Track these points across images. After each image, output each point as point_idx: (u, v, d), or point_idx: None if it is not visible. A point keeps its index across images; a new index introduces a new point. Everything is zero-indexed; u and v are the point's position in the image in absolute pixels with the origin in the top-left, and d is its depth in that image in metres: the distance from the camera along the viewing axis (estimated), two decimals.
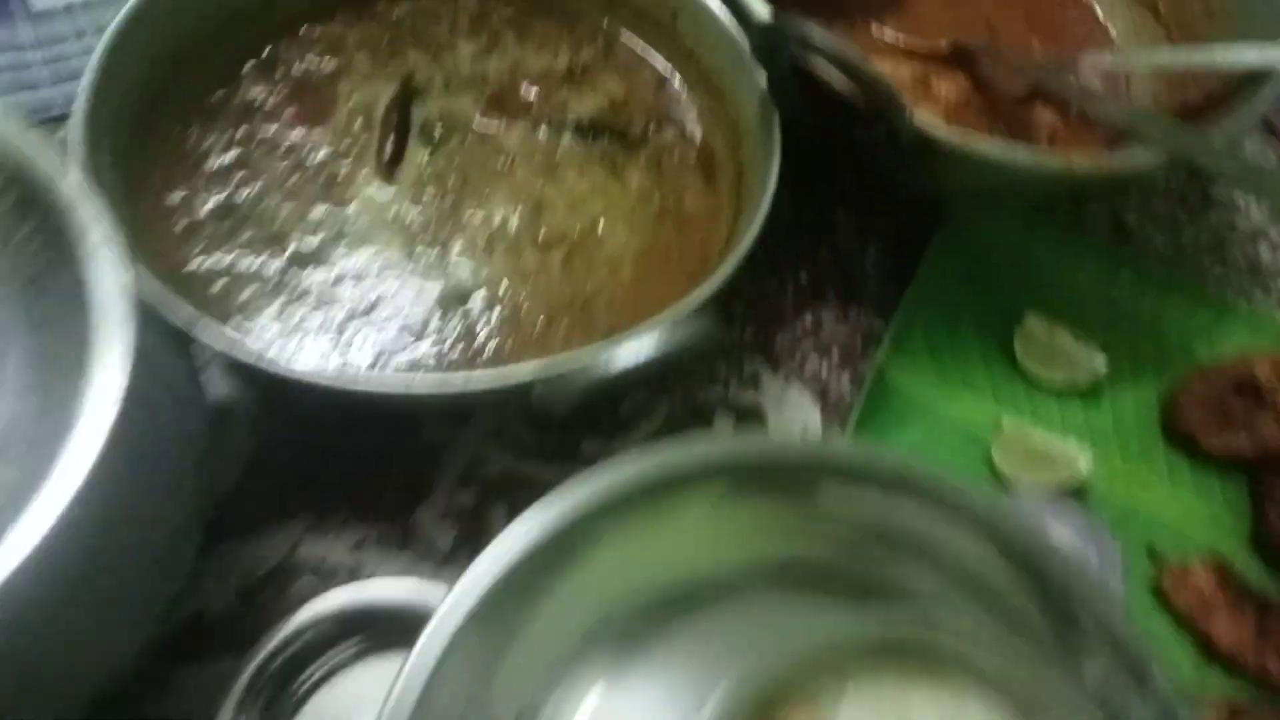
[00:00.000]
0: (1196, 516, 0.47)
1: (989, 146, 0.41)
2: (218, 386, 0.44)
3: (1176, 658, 0.43)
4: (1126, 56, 0.52)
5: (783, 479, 0.29)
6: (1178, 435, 0.48)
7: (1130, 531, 0.46)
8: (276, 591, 0.41)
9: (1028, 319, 0.49)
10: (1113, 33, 0.54)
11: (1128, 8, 0.54)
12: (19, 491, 0.25)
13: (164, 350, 0.33)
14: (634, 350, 0.31)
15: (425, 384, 0.34)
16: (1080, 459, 0.45)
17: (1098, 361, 0.48)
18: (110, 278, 0.27)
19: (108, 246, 0.28)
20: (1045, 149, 0.47)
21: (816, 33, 0.38)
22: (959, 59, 0.53)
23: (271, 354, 0.36)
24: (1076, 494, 0.46)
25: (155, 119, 0.43)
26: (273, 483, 0.43)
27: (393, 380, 0.34)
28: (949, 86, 0.51)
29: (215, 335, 0.34)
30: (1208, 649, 0.43)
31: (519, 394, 0.35)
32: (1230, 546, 0.46)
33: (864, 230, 0.53)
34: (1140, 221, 0.56)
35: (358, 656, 0.39)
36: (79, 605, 0.29)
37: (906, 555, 0.30)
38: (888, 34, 0.53)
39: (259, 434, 0.44)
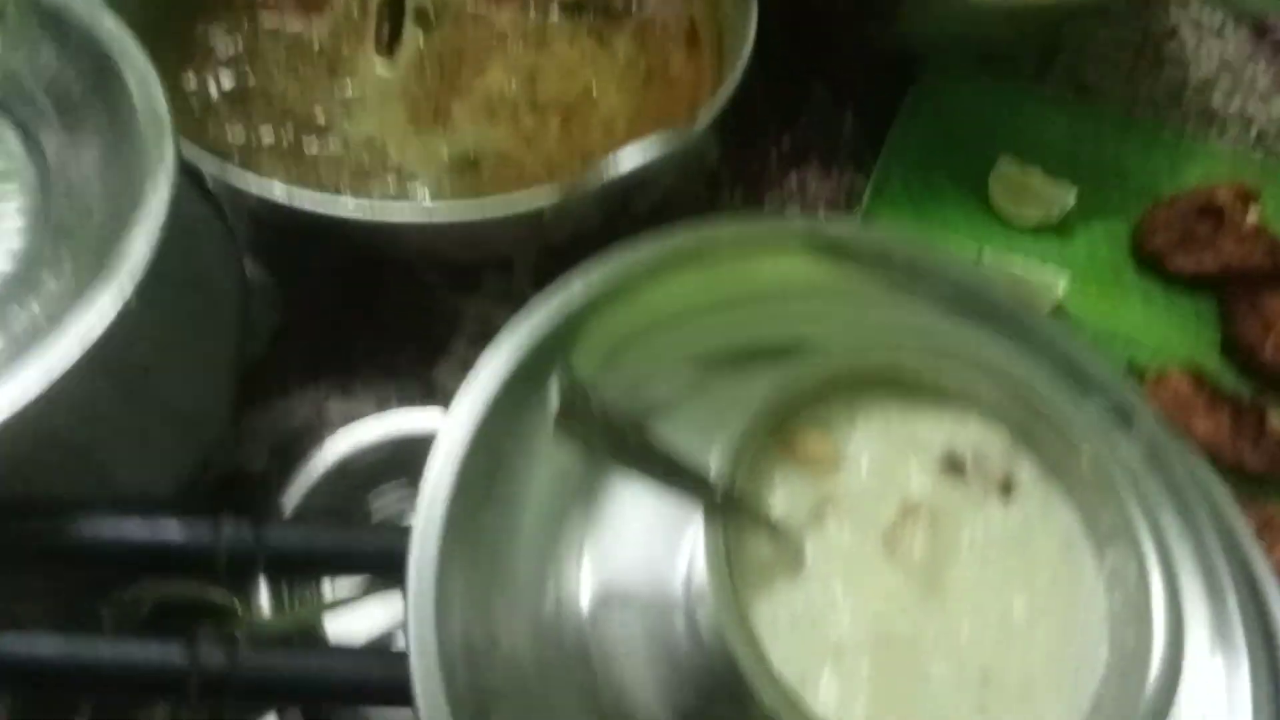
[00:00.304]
0: (1170, 333, 0.50)
1: None
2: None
3: None
4: None
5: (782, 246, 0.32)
6: (1148, 260, 0.51)
7: (1109, 350, 0.48)
8: (309, 448, 0.43)
9: (1000, 162, 0.52)
10: None
11: None
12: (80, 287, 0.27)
13: (198, 202, 0.36)
14: (636, 154, 0.33)
15: (444, 213, 0.36)
16: (1058, 283, 0.48)
17: (1069, 195, 0.51)
18: (153, 96, 0.30)
19: (148, 71, 0.30)
20: None
21: None
22: None
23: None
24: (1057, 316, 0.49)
25: (166, 20, 0.44)
26: (298, 352, 0.45)
27: (415, 210, 0.37)
28: None
29: (244, 179, 0.36)
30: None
31: (531, 223, 0.37)
32: (1203, 357, 0.49)
33: (840, 97, 0.55)
34: (1100, 78, 0.59)
35: (402, 502, 0.41)
36: (138, 404, 0.31)
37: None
38: None
39: (282, 310, 0.46)
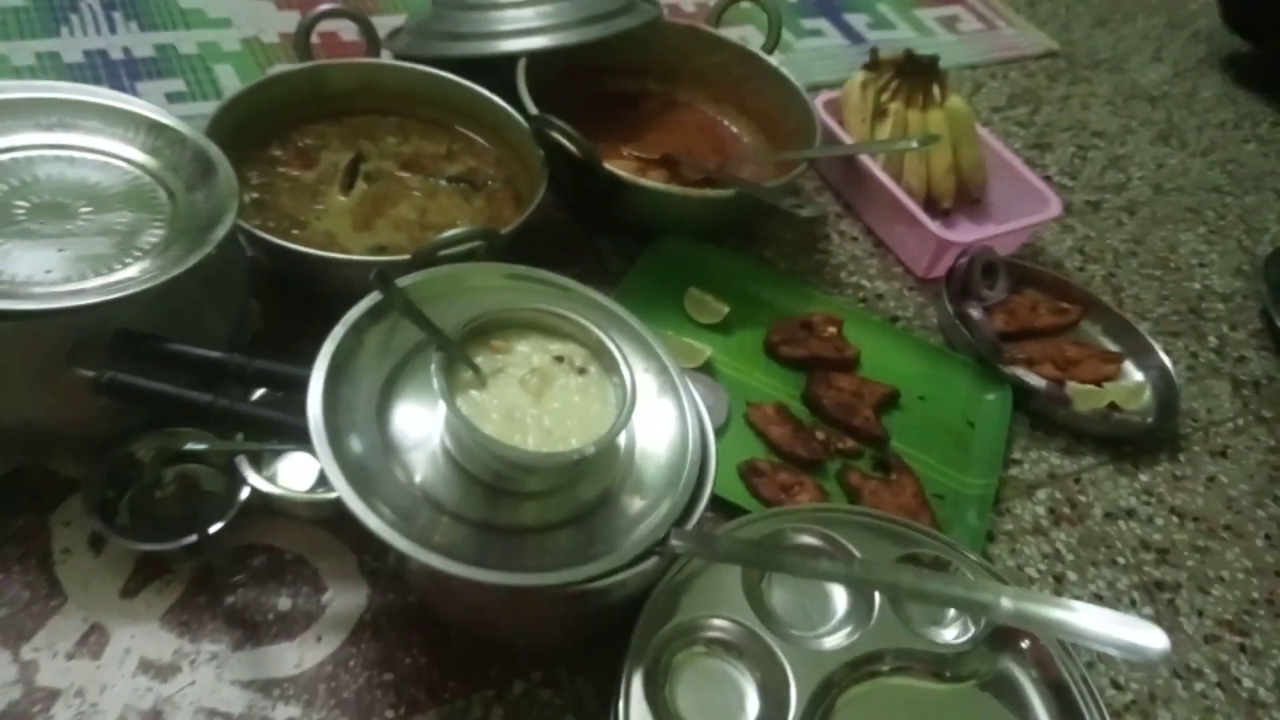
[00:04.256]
0: (775, 386, 0.86)
1: (646, 182, 0.84)
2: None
3: (751, 448, 0.81)
4: (757, 157, 0.97)
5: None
6: (770, 348, 0.89)
7: (737, 392, 0.85)
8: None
9: (691, 290, 0.90)
10: (747, 141, 1.00)
11: (752, 134, 1.00)
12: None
13: (234, 241, 0.72)
14: (458, 233, 0.70)
15: (352, 252, 0.73)
16: (706, 349, 0.85)
17: (725, 309, 0.89)
18: (227, 179, 0.67)
19: (228, 169, 0.67)
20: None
21: (557, 121, 0.81)
22: (667, 163, 0.97)
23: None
24: (707, 370, 0.85)
25: (235, 151, 0.83)
26: (281, 330, 0.78)
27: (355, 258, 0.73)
28: (657, 176, 0.95)
29: (254, 231, 0.73)
30: (768, 445, 0.82)
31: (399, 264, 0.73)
32: (790, 400, 0.86)
33: (613, 247, 0.94)
34: (773, 256, 0.99)
35: None
36: (195, 308, 0.66)
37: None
38: (626, 150, 0.97)
39: (260, 324, 0.81)
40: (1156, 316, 1.07)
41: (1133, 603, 0.82)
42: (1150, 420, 0.93)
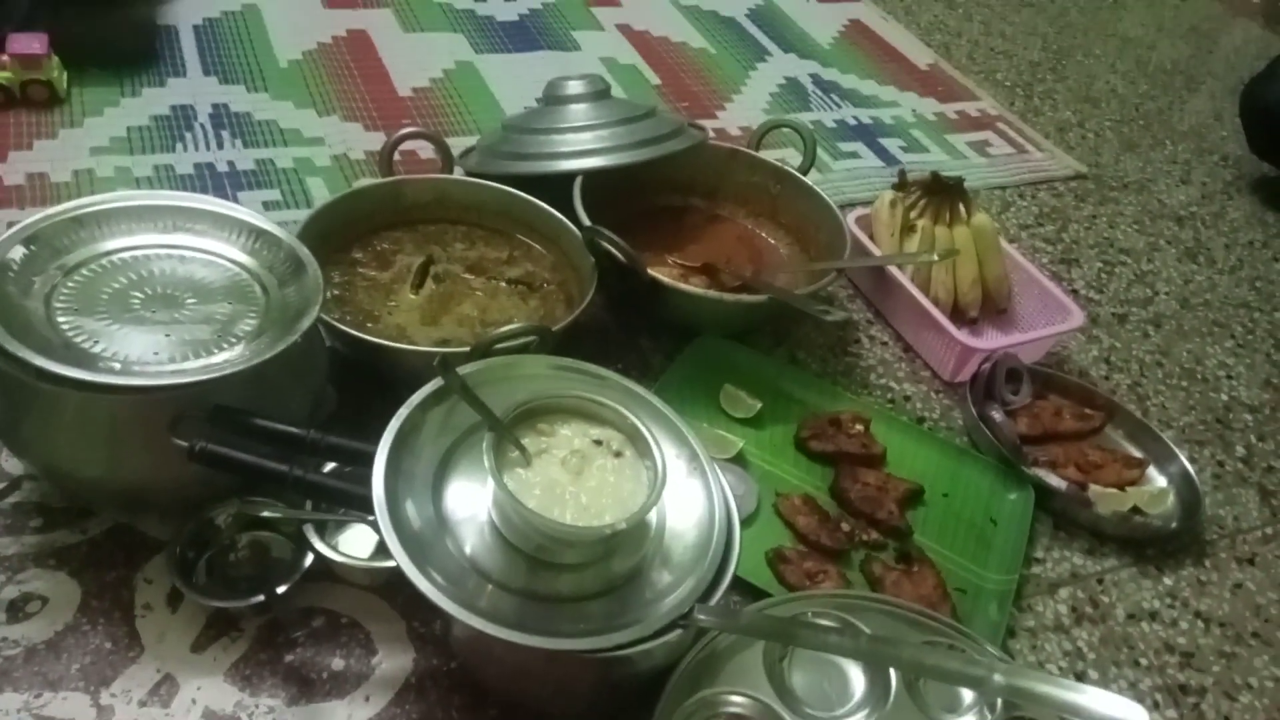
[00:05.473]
0: (803, 478, 0.92)
1: (687, 287, 0.92)
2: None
3: (779, 536, 0.86)
4: (791, 266, 1.05)
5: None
6: (800, 442, 0.94)
7: (767, 483, 0.90)
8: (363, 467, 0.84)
9: (725, 386, 0.97)
10: (783, 252, 1.08)
11: (789, 246, 1.08)
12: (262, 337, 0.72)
13: (318, 331, 0.81)
14: (515, 327, 0.78)
15: (419, 344, 0.81)
16: (738, 443, 0.91)
17: (758, 404, 0.95)
18: (314, 277, 0.76)
19: (315, 267, 0.77)
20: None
21: (607, 232, 0.89)
22: (707, 270, 1.05)
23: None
24: (739, 461, 0.91)
25: (323, 253, 0.93)
26: (353, 411, 0.87)
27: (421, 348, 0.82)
28: (698, 281, 1.03)
29: (334, 324, 0.82)
30: (795, 534, 0.87)
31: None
32: (817, 492, 0.91)
33: (654, 345, 1.02)
34: (805, 357, 1.05)
35: None
36: (282, 387, 0.74)
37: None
38: (670, 259, 1.06)
39: (334, 406, 0.89)
40: (1182, 425, 1.10)
41: (1156, 705, 0.84)
42: (1174, 525, 0.95)
